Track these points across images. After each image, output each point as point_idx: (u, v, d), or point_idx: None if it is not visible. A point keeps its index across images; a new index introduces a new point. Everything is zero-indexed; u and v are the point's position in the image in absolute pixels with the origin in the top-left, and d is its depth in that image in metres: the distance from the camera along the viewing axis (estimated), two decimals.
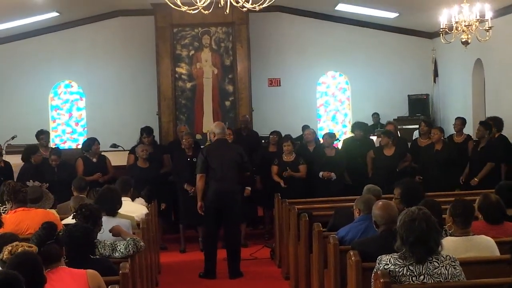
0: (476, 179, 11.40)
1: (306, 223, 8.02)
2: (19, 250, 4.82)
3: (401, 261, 4.92)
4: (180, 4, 7.36)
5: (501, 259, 5.65)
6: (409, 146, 13.21)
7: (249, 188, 11.68)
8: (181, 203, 11.88)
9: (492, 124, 12.23)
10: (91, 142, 12.32)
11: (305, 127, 15.68)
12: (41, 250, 4.98)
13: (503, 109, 13.81)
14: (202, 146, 11.94)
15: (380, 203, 6.06)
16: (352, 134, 13.75)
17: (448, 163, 11.78)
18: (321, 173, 11.90)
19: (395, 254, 4.99)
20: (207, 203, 9.99)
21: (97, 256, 5.99)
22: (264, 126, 15.59)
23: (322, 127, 18.49)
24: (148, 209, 9.18)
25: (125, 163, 12.57)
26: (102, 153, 12.48)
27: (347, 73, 18.78)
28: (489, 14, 10.92)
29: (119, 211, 7.55)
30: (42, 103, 17.98)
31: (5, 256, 4.79)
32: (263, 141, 14.10)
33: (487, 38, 11.14)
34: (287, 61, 18.26)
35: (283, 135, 12.78)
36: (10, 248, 4.86)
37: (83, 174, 11.42)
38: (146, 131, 12.67)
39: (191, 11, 7.54)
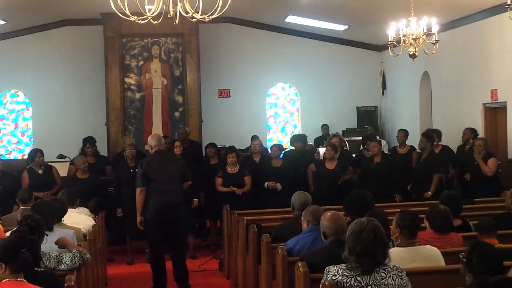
0: (429, 192, 11.45)
1: (254, 234, 8.00)
2: None
3: (348, 271, 4.92)
4: (129, 14, 7.31)
5: (447, 269, 5.73)
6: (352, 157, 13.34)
7: (196, 200, 11.62)
8: (125, 215, 11.73)
9: (436, 135, 12.43)
10: (33, 154, 12.14)
11: (254, 138, 15.70)
12: (18, 258, 5.01)
13: (449, 120, 14.01)
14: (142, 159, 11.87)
15: (329, 214, 6.07)
16: (292, 147, 13.84)
17: (387, 175, 11.85)
18: (266, 183, 11.90)
19: (342, 265, 4.99)
20: (150, 217, 9.74)
21: (42, 269, 5.89)
22: (213, 137, 15.51)
23: (272, 138, 18.55)
24: (95, 220, 9.07)
25: (66, 174, 12.38)
26: (49, 163, 12.31)
27: (296, 85, 18.88)
28: (435, 28, 11.07)
29: (65, 222, 7.44)
30: None
31: None
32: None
33: (433, 51, 11.30)
34: (237, 72, 18.29)
35: (228, 146, 12.75)
36: None
37: (29, 186, 11.27)
38: (90, 141, 12.56)
39: (140, 21, 7.49)
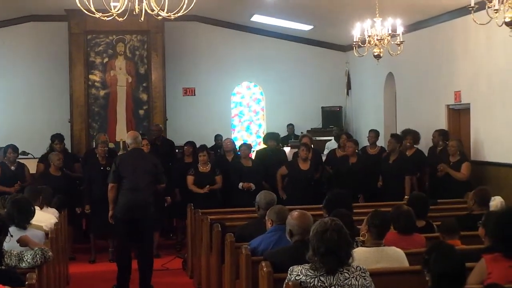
0: (406, 196, 11.50)
1: (218, 233, 7.98)
2: None
3: (312, 271, 4.93)
4: (94, 11, 7.27)
5: (410, 270, 5.76)
6: (322, 156, 13.37)
7: (169, 197, 11.59)
8: (92, 212, 11.68)
9: (411, 137, 12.50)
10: (5, 148, 12.07)
11: (218, 137, 15.71)
12: None
13: (413, 121, 14.09)
14: (120, 153, 11.83)
15: (297, 213, 6.06)
16: (264, 145, 13.83)
17: (362, 175, 11.94)
18: (240, 184, 11.88)
19: (306, 265, 4.99)
20: (118, 214, 9.74)
21: (3, 267, 5.82)
22: (178, 135, 15.50)
23: (236, 137, 18.54)
24: (57, 218, 9.00)
25: (35, 171, 12.28)
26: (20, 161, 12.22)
27: (262, 84, 18.89)
28: (400, 29, 11.11)
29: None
30: None
31: None
32: (177, 150, 13.96)
33: (398, 52, 11.35)
34: (202, 71, 18.24)
35: (197, 145, 12.70)
36: None
37: (0, 181, 11.28)
38: (58, 137, 12.48)
39: (105, 18, 7.45)
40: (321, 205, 7.75)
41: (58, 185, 11.04)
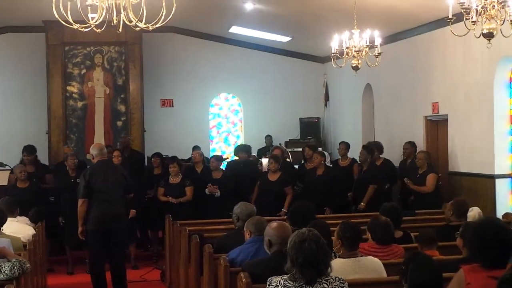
0: (362, 203, 11.64)
1: (197, 244, 7.97)
2: None
3: (291, 282, 4.92)
4: (72, 22, 7.24)
5: (388, 280, 5.77)
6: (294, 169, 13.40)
7: (134, 210, 11.53)
8: (65, 224, 11.59)
9: (376, 148, 12.59)
10: None
11: (195, 148, 15.68)
12: None
13: (392, 133, 14.17)
14: (88, 167, 11.75)
15: (275, 223, 6.07)
16: (236, 157, 13.86)
17: (328, 187, 11.95)
18: (206, 189, 11.89)
19: (285, 275, 4.98)
20: (91, 227, 9.64)
21: None
22: (156, 147, 15.47)
23: (215, 149, 18.54)
24: (35, 229, 8.94)
25: (6, 183, 12.18)
26: None
27: (240, 95, 18.91)
28: (378, 41, 11.15)
29: (3, 231, 7.32)
30: None
31: None
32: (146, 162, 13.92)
33: (376, 63, 11.39)
34: (180, 82, 18.24)
35: (170, 156, 12.70)
36: None
37: None
38: (27, 150, 12.34)
39: (83, 29, 7.43)
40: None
41: (25, 197, 10.87)
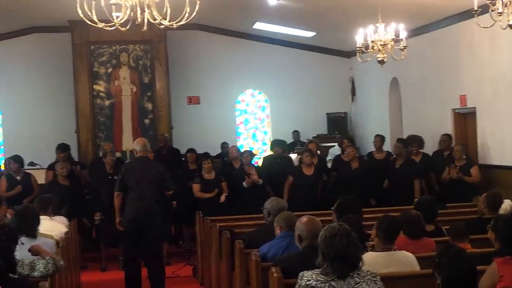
0: (416, 199, 11.49)
1: (227, 240, 7.99)
2: None
3: (323, 276, 4.91)
4: (97, 21, 7.28)
5: (421, 274, 5.75)
6: (326, 162, 13.36)
7: (175, 202, 11.60)
8: (102, 221, 11.68)
9: (416, 142, 12.50)
10: (5, 161, 12.14)
11: (224, 145, 15.71)
12: None
13: (419, 126, 14.10)
14: (126, 162, 11.84)
15: (306, 218, 6.07)
16: (271, 152, 13.83)
17: (364, 180, 11.92)
18: (244, 183, 11.91)
19: (316, 270, 4.98)
20: (126, 223, 9.76)
21: (16, 276, 5.84)
22: (183, 144, 15.47)
23: (242, 145, 18.51)
24: (68, 227, 9.01)
25: (43, 181, 12.32)
26: (27, 171, 12.26)
27: (266, 91, 18.89)
28: (403, 34, 11.12)
29: (39, 230, 7.39)
30: None
31: None
32: (183, 158, 13.98)
33: (402, 57, 11.34)
34: (206, 79, 18.25)
35: (203, 153, 12.72)
36: None
37: (6, 192, 11.33)
38: (60, 148, 12.47)
39: (108, 28, 7.47)
40: (326, 211, 7.75)
41: (66, 194, 11.03)
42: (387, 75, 15.72)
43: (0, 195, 10.86)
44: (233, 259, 7.56)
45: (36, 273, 6.20)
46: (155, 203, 9.78)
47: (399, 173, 12.00)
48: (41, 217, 7.88)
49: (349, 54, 18.11)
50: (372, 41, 11.26)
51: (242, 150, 13.49)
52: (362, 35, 11.35)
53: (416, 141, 12.66)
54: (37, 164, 13.55)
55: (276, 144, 13.65)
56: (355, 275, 4.91)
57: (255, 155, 14.80)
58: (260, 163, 13.80)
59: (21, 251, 6.34)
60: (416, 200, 10.96)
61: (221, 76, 18.37)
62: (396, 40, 11.23)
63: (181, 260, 12.18)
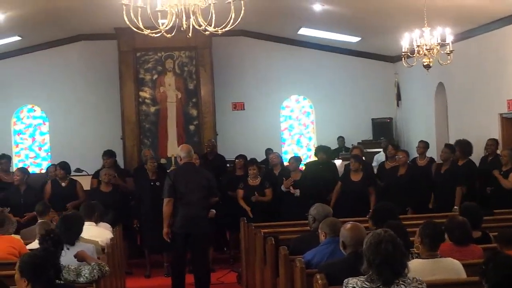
0: (455, 206, 11.36)
1: (272, 247, 7.97)
2: None
3: (368, 283, 4.88)
4: (143, 28, 7.33)
5: (468, 281, 5.67)
6: (374, 168, 13.26)
7: (214, 211, 11.61)
8: (144, 228, 11.75)
9: (458, 148, 12.31)
10: (48, 168, 12.27)
11: (268, 151, 15.70)
12: (42, 278, 5.09)
13: (466, 131, 13.94)
14: (168, 171, 11.87)
15: (349, 225, 6.03)
16: (315, 158, 13.79)
17: (411, 186, 11.79)
18: (283, 186, 11.86)
19: (362, 276, 4.95)
20: (175, 229, 9.77)
21: (62, 282, 5.90)
22: (228, 150, 15.53)
23: (287, 151, 18.52)
24: (113, 233, 9.08)
25: (89, 188, 12.44)
26: (73, 178, 12.39)
27: (311, 97, 18.87)
28: (449, 38, 11.03)
29: (82, 235, 7.45)
30: (4, 128, 17.82)
31: None
32: (228, 165, 14.01)
33: (448, 61, 11.25)
34: (250, 85, 18.30)
35: (249, 159, 12.73)
36: None
37: (51, 198, 11.43)
38: (106, 154, 12.57)
39: (153, 35, 7.51)
40: None
41: (108, 201, 11.08)
42: (433, 80, 15.59)
43: (45, 201, 11.00)
44: (277, 266, 7.55)
45: (81, 279, 6.25)
46: (203, 209, 9.81)
47: (442, 179, 11.83)
48: (87, 223, 7.96)
49: (394, 59, 18.01)
50: (418, 46, 11.20)
51: (286, 156, 13.46)
52: (407, 39, 11.29)
53: (461, 146, 12.46)
54: (83, 171, 13.68)
55: (320, 150, 13.59)
56: (401, 282, 4.87)
57: (301, 161, 14.75)
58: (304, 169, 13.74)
59: (66, 257, 6.41)
60: (455, 207, 10.96)
61: (265, 82, 18.39)
62: (442, 44, 11.13)
63: (226, 267, 12.17)
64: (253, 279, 9.76)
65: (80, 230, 7.42)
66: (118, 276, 9.34)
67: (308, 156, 18.63)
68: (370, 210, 11.13)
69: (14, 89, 17.68)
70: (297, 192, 11.82)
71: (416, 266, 5.54)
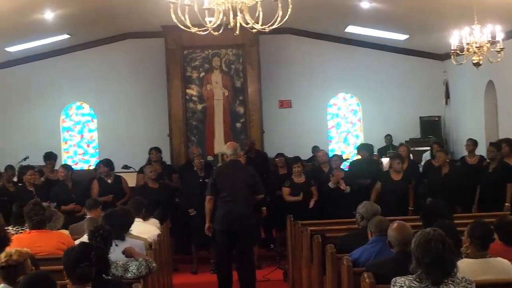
0: (507, 203, 11.22)
1: (319, 244, 7.95)
2: (14, 257, 5.20)
3: (416, 283, 4.84)
4: (190, 26, 7.35)
5: None
6: (419, 167, 13.15)
7: (265, 209, 11.64)
8: (192, 224, 11.82)
9: (507, 145, 12.13)
10: (97, 165, 12.42)
11: (315, 149, 15.65)
12: (75, 271, 5.09)
13: None
14: (214, 168, 11.91)
15: (396, 224, 5.99)
16: (358, 156, 13.74)
17: (457, 185, 11.66)
18: (330, 183, 11.80)
19: (410, 276, 4.91)
20: (216, 226, 9.86)
21: (110, 277, 5.94)
22: (274, 148, 15.51)
23: (334, 149, 18.44)
24: (160, 230, 9.14)
25: (135, 184, 12.55)
26: (118, 174, 12.51)
27: (358, 95, 18.76)
28: (500, 36, 10.88)
29: (132, 232, 7.51)
30: (53, 125, 18.03)
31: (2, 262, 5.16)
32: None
33: (498, 59, 11.10)
34: (297, 83, 18.25)
35: (293, 157, 12.71)
36: (4, 255, 5.20)
37: (98, 195, 11.56)
38: (154, 148, 12.87)
39: (201, 33, 7.53)
40: (416, 216, 7.62)
41: (156, 197, 11.21)
42: (482, 78, 15.39)
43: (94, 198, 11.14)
44: (324, 264, 7.53)
45: (129, 275, 6.31)
46: (247, 206, 9.84)
47: (491, 178, 11.66)
48: (135, 219, 8.01)
49: (443, 56, 17.81)
50: (467, 43, 11.08)
51: (332, 155, 13.42)
52: (457, 37, 11.16)
53: (507, 142, 12.26)
54: (130, 168, 13.79)
55: (362, 148, 13.56)
56: (450, 282, 4.82)
57: (345, 159, 14.68)
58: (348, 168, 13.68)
59: (115, 253, 6.46)
60: (507, 204, 10.79)
61: (312, 79, 18.33)
62: (493, 42, 10.98)
63: (272, 264, 12.18)
64: (299, 276, 9.75)
65: (129, 225, 7.48)
66: (165, 272, 9.42)
67: (355, 154, 18.53)
68: (410, 208, 11.24)
69: (63, 87, 17.90)
70: (347, 189, 11.74)
71: (466, 266, 5.47)
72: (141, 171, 12.61)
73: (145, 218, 9.00)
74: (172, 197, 12.30)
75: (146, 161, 13.01)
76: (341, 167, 12.57)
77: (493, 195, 11.51)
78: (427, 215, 7.19)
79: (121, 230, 7.33)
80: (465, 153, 13.66)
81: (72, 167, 13.28)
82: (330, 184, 11.79)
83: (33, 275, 4.97)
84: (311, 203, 11.75)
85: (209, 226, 9.93)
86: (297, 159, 12.41)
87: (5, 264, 5.19)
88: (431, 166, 12.67)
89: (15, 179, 12.53)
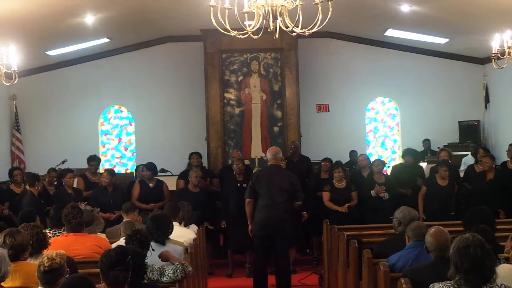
0: None
1: (355, 249, 7.91)
2: (57, 260, 5.27)
3: None
4: (230, 29, 7.36)
5: None
6: (459, 172, 13.02)
7: (305, 213, 11.61)
8: (229, 228, 11.82)
9: None
10: (136, 168, 12.49)
11: (353, 153, 15.58)
12: (109, 274, 5.15)
13: None
14: (253, 172, 11.91)
15: (433, 229, 5.93)
16: (401, 161, 13.62)
17: (501, 190, 11.54)
18: (373, 191, 11.72)
19: (448, 282, 4.86)
20: (254, 230, 9.89)
21: (146, 281, 5.97)
22: (312, 152, 15.48)
23: (371, 153, 18.34)
24: (196, 233, 9.15)
25: (173, 188, 12.60)
26: (159, 178, 12.57)
27: (396, 99, 18.65)
28: None
29: (170, 236, 7.54)
30: (92, 128, 18.17)
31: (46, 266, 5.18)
32: (316, 166, 13.93)
33: None
34: (335, 87, 18.20)
35: (335, 161, 12.66)
36: (46, 259, 5.26)
37: (139, 198, 11.62)
38: (195, 153, 12.91)
39: (240, 36, 7.54)
40: (459, 221, 7.55)
41: (196, 201, 11.24)
42: None
43: (133, 201, 11.21)
44: (360, 269, 7.48)
45: (165, 278, 6.33)
46: (285, 211, 9.83)
47: None
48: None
49: (483, 60, 17.65)
50: (509, 47, 10.94)
51: (371, 159, 13.36)
52: (498, 40, 11.04)
53: None
54: (168, 171, 13.84)
55: (408, 153, 13.45)
56: None
57: (386, 163, 14.59)
58: (389, 172, 13.58)
59: (152, 257, 6.48)
60: None
61: (351, 83, 18.27)
62: None
63: (308, 269, 12.14)
64: (335, 281, 9.69)
65: (170, 230, 7.51)
66: (201, 276, 9.41)
67: (393, 158, 18.44)
68: (451, 213, 11.12)
69: (102, 90, 18.04)
70: (386, 196, 11.68)
71: (505, 272, 5.40)
72: (182, 175, 12.66)
73: (180, 222, 9.03)
74: (212, 201, 12.32)
75: (186, 165, 13.05)
76: (382, 171, 12.49)
77: None
78: (470, 220, 7.12)
79: (165, 233, 7.37)
80: (503, 157, 13.51)
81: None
82: (372, 193, 11.73)
83: (74, 277, 5.02)
84: (343, 208, 11.68)
85: (251, 228, 9.97)
86: (338, 163, 12.36)
87: (48, 268, 5.24)
88: (473, 171, 12.52)
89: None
